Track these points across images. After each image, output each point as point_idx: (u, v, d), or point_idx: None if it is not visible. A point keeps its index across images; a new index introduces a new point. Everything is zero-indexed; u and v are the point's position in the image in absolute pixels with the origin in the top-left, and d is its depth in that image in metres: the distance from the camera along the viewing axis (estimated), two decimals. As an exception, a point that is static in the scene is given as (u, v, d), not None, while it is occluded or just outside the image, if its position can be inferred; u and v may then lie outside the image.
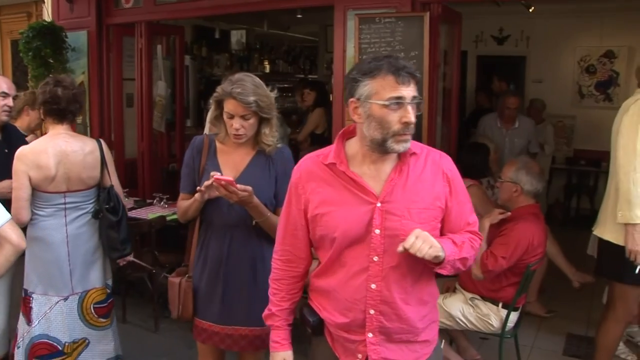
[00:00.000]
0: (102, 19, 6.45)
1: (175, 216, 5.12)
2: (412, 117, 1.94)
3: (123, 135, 6.61)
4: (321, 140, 6.41)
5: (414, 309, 2.09)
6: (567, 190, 8.76)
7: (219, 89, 2.76)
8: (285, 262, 2.24)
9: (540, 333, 4.82)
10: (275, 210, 2.80)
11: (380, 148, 2.00)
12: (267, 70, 9.99)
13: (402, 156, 2.05)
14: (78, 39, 6.40)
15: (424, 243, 1.87)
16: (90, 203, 3.59)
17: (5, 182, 3.69)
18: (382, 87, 1.93)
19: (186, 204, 2.88)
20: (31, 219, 3.44)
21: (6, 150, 3.86)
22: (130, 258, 3.88)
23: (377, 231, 2.00)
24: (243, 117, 2.70)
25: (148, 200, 5.90)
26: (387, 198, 2.01)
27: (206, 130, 5.86)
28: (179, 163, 6.94)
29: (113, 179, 3.65)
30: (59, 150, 3.42)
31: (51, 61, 6.12)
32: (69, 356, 3.54)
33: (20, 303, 3.60)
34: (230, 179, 2.61)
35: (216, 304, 2.87)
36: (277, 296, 2.26)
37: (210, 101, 2.83)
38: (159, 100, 6.62)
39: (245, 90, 2.67)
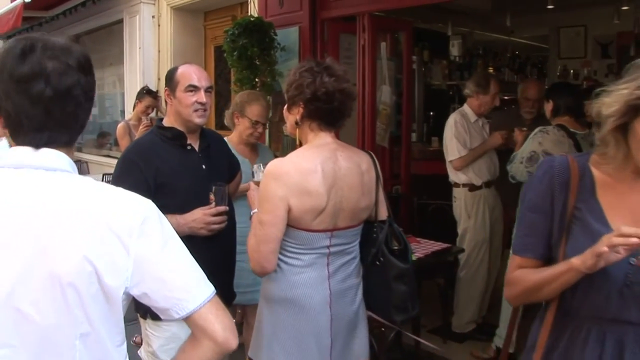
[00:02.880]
0: (317, 12, 5.41)
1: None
2: None
3: (340, 150, 5.45)
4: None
5: None
6: None
7: None
8: None
9: None
10: None
11: None
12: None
13: None
14: (288, 36, 5.41)
15: None
16: (355, 245, 2.45)
17: (197, 213, 2.63)
18: None
19: (536, 277, 1.68)
20: (276, 270, 2.34)
21: (204, 167, 2.79)
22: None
23: None
24: None
25: (372, 233, 4.65)
26: None
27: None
28: (403, 185, 5.68)
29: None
30: (331, 169, 2.29)
31: (257, 62, 5.15)
32: None
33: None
34: None
35: None
36: None
37: (600, 100, 1.61)
38: (383, 109, 5.38)
39: None
